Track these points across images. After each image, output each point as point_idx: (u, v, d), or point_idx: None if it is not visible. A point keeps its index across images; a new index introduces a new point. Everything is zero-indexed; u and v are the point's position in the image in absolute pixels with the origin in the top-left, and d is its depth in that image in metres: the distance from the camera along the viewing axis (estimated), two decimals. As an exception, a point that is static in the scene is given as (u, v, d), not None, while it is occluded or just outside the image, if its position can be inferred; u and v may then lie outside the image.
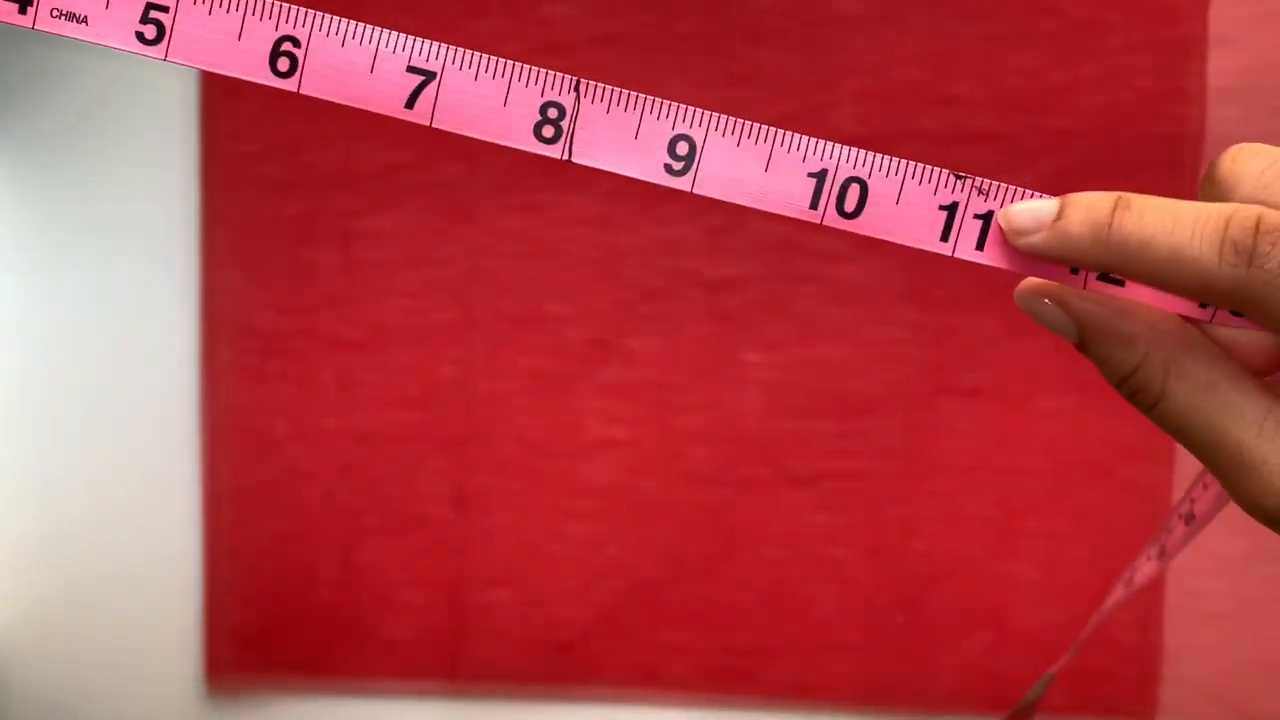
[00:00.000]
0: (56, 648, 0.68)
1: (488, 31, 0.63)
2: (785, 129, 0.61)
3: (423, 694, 0.65)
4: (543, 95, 0.24)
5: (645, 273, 0.63)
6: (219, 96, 0.64)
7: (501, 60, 0.24)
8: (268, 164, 0.64)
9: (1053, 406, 0.61)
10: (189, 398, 0.66)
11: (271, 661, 0.66)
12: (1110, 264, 0.23)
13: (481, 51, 0.63)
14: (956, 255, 0.24)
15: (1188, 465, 0.61)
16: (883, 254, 0.62)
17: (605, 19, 0.63)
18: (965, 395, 0.62)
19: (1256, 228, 0.22)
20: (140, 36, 0.24)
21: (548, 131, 0.24)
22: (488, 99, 0.24)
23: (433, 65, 0.24)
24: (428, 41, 0.24)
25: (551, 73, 0.23)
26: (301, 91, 0.24)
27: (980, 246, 0.24)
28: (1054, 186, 0.62)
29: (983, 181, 0.24)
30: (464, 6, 0.63)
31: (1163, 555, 0.43)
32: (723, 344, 0.63)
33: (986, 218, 0.24)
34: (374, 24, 0.68)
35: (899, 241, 0.24)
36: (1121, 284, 0.23)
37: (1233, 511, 0.61)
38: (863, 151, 0.24)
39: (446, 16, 0.63)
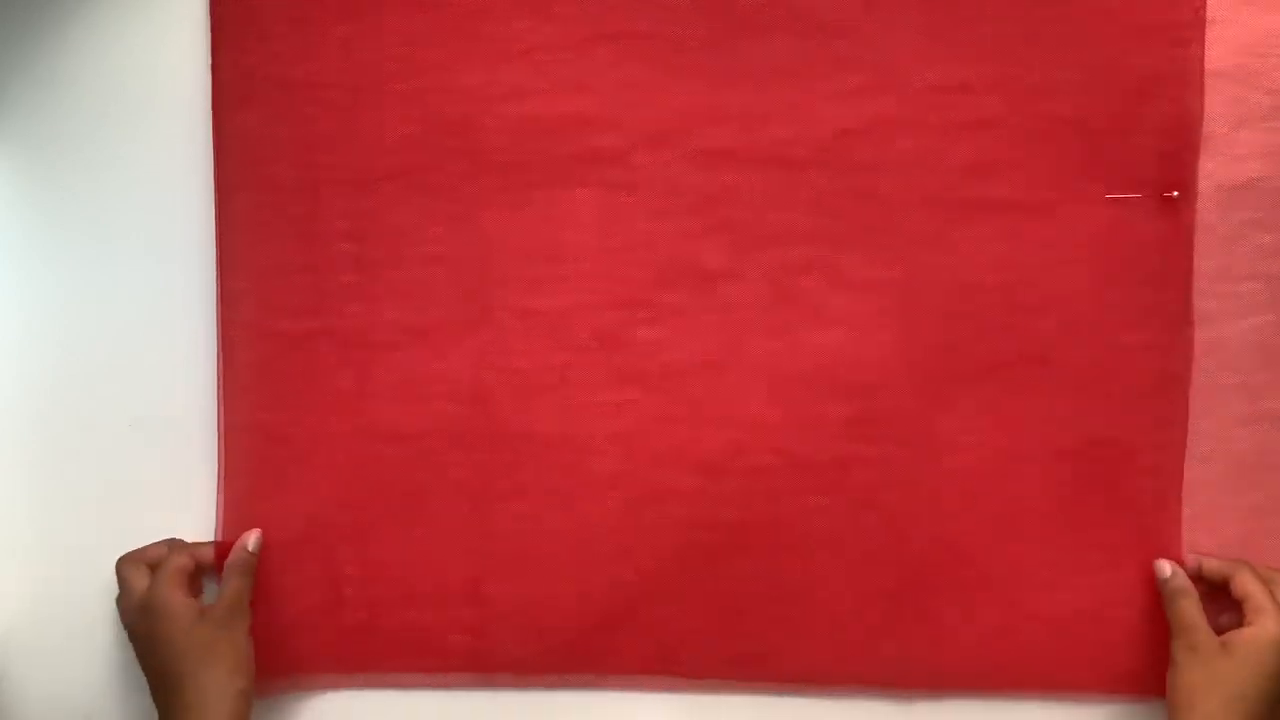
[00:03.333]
0: (69, 645, 0.67)
1: (488, 33, 0.63)
2: (784, 120, 0.61)
3: (443, 686, 0.65)
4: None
5: (650, 264, 0.63)
6: (229, 98, 0.64)
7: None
8: (279, 165, 0.64)
9: (1060, 387, 0.62)
10: (200, 401, 0.66)
11: (291, 657, 0.65)
12: None
13: (482, 51, 0.63)
14: None
15: (1198, 442, 0.61)
16: (888, 239, 0.62)
17: (605, 18, 0.63)
18: (972, 379, 0.62)
19: None
20: None
21: None
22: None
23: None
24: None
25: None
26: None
27: None
28: (1058, 173, 0.63)
29: None
30: (464, 6, 0.63)
31: None
32: (729, 333, 0.63)
33: None
34: (384, 25, 0.69)
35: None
36: None
37: (1231, 497, 0.63)
38: None
39: (452, 14, 0.63)
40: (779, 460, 0.63)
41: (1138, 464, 0.62)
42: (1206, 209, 0.60)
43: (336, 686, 0.66)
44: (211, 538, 0.65)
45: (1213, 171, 0.60)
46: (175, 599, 0.60)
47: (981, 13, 0.61)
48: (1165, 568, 0.61)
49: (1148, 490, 0.62)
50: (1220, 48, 0.60)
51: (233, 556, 0.63)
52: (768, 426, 0.63)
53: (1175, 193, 0.60)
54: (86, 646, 0.67)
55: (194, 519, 0.66)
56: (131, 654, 0.64)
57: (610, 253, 0.63)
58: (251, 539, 0.63)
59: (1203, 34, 0.60)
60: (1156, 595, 0.61)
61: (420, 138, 0.63)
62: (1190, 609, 0.59)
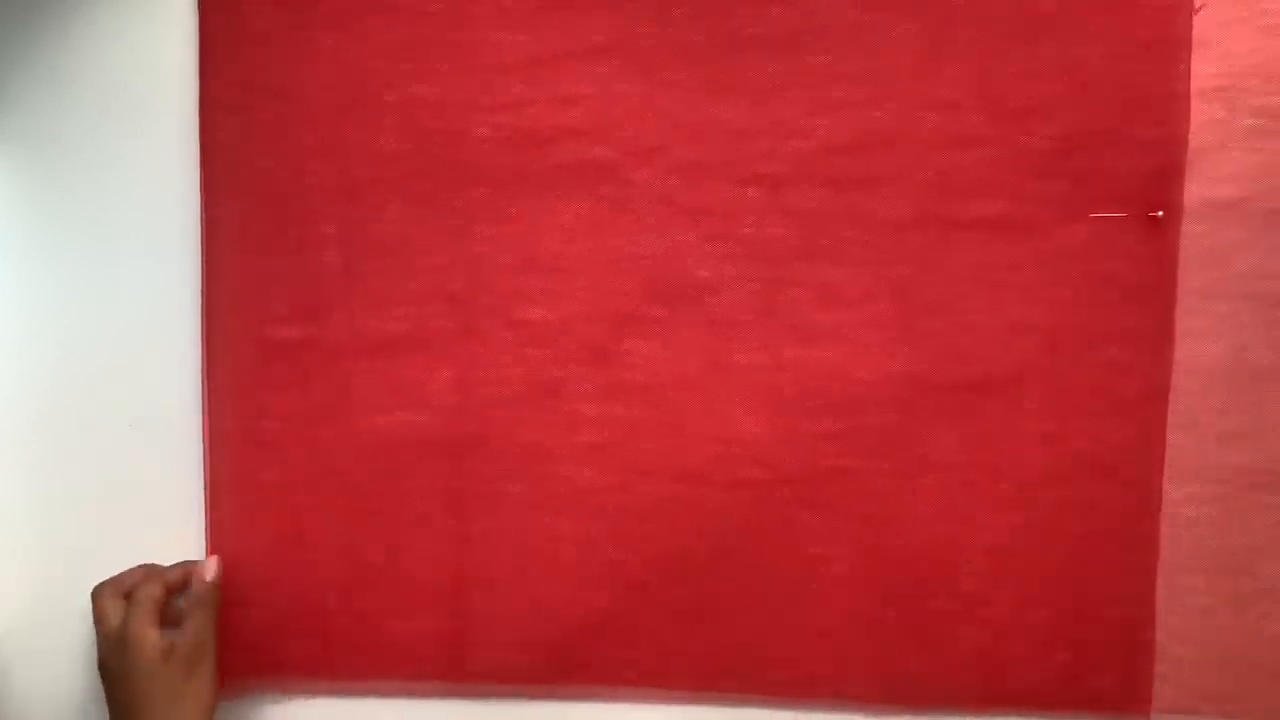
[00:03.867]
0: (69, 645, 0.68)
1: (479, 44, 0.64)
2: (774, 135, 0.61)
3: (426, 694, 0.66)
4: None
5: (639, 277, 0.64)
6: (217, 104, 0.65)
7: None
8: (267, 173, 0.65)
9: (1042, 403, 0.62)
10: (192, 404, 0.66)
11: (274, 663, 0.66)
12: None
13: (473, 62, 0.64)
14: None
15: (1178, 460, 0.61)
16: (874, 255, 0.63)
17: (597, 29, 0.63)
18: (955, 393, 0.62)
19: None
20: None
21: None
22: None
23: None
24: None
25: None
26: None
27: None
28: (1044, 191, 0.63)
29: None
30: (455, 17, 0.64)
31: None
32: (715, 346, 0.64)
33: None
34: (375, 36, 0.68)
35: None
36: None
37: (1224, 506, 0.62)
38: None
39: (442, 25, 0.64)
40: (765, 474, 0.64)
41: (1118, 481, 0.61)
42: (1191, 229, 0.61)
43: (318, 692, 0.67)
44: (200, 540, 0.66)
45: (1198, 192, 0.60)
46: (148, 635, 0.61)
47: (970, 31, 0.61)
48: None
49: (1127, 507, 0.62)
50: (1206, 68, 0.60)
51: (193, 589, 0.63)
52: (754, 440, 0.64)
53: (1160, 212, 0.60)
54: (87, 646, 0.68)
55: (192, 519, 0.67)
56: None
57: (599, 265, 0.64)
58: (211, 568, 0.64)
59: (1189, 54, 0.60)
60: (1137, 612, 0.61)
61: (410, 147, 0.64)
62: None
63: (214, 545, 0.66)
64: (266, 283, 0.65)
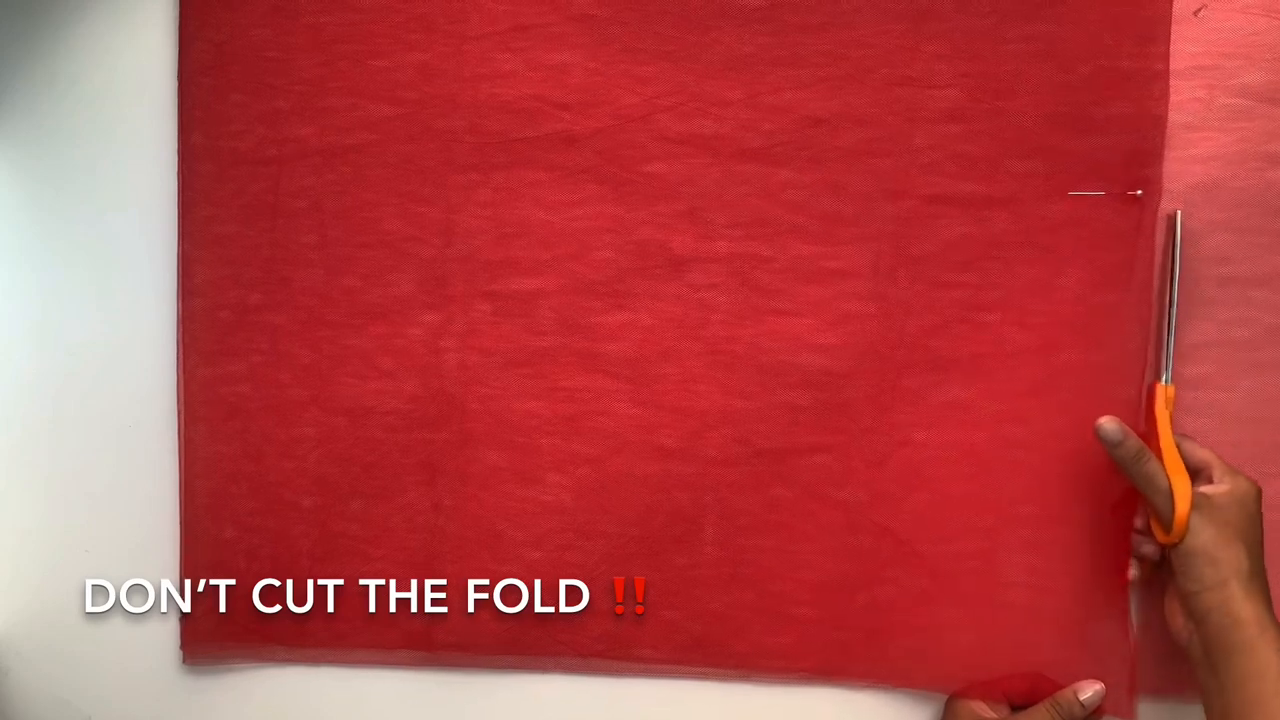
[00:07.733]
0: (70, 645, 0.68)
1: (464, 13, 0.64)
2: (753, 109, 0.60)
3: (398, 664, 0.66)
4: None
5: (616, 249, 0.64)
6: (195, 74, 0.65)
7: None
8: (242, 141, 0.65)
9: (1020, 382, 0.61)
10: (166, 374, 0.66)
11: (246, 633, 0.66)
12: None
13: (461, 31, 0.62)
14: None
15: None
16: (852, 231, 0.62)
17: (583, 1, 0.63)
18: (933, 371, 0.62)
19: None
20: None
21: None
22: None
23: None
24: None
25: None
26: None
27: None
28: (1022, 168, 0.63)
29: None
30: None
31: None
32: (693, 320, 0.64)
33: None
34: (357, 3, 0.66)
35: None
36: None
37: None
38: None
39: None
40: (737, 448, 0.63)
41: (1092, 461, 0.61)
42: (1169, 208, 0.60)
43: (290, 661, 0.67)
44: (175, 509, 0.66)
45: (1177, 171, 0.60)
46: None
47: (951, 8, 0.61)
48: (1113, 430, 0.58)
49: (1101, 486, 0.61)
50: (1187, 47, 0.60)
51: None
52: (727, 414, 0.63)
53: (1139, 191, 0.60)
54: (87, 647, 0.68)
55: (159, 492, 0.67)
56: (133, 655, 0.65)
57: (576, 237, 0.64)
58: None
59: (1169, 33, 0.60)
60: (1109, 598, 0.61)
61: (388, 115, 0.64)
62: (1160, 470, 0.57)
63: (188, 514, 0.66)
64: (241, 248, 0.65)
